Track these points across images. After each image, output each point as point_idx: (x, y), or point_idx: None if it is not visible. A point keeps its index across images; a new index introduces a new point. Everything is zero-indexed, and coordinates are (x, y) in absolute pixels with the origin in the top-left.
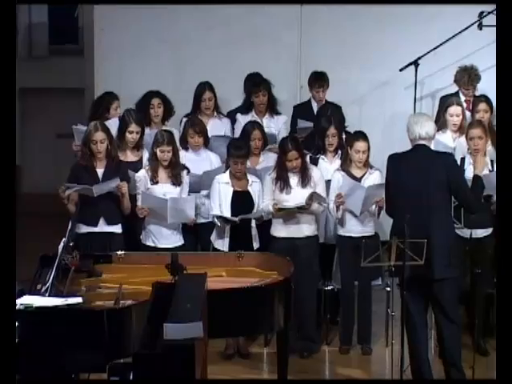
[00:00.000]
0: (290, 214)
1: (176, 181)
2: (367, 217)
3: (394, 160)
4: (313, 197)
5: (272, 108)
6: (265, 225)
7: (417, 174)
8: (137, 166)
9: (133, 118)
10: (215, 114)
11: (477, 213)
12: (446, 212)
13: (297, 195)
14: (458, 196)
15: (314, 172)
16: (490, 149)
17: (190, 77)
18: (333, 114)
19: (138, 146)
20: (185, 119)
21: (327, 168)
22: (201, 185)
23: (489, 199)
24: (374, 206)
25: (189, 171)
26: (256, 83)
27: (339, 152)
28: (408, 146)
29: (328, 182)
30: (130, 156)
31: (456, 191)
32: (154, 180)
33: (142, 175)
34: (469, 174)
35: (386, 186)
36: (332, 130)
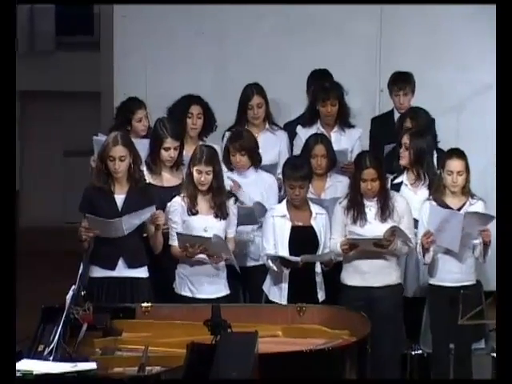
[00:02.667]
0: (364, 253)
1: (220, 212)
2: (467, 259)
3: None
4: (395, 232)
5: (343, 119)
6: (333, 270)
7: None
8: (178, 191)
9: (168, 130)
10: (267, 125)
11: None
12: None
13: (374, 230)
14: None
15: (399, 201)
16: None
17: (233, 78)
18: (416, 122)
19: (177, 165)
20: (228, 134)
21: (411, 198)
22: (253, 219)
23: None
24: (477, 241)
25: (237, 199)
26: (324, 89)
27: (425, 179)
28: None
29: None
30: (167, 179)
31: None
32: (193, 210)
33: (178, 204)
34: None
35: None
36: (405, 139)
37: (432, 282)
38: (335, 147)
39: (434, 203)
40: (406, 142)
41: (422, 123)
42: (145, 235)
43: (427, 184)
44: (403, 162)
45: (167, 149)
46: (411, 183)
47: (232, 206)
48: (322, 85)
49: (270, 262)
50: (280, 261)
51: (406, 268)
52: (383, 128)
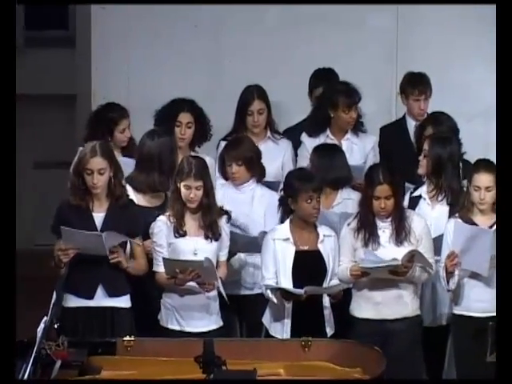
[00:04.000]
0: (377, 281)
1: (211, 232)
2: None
3: None
4: (414, 257)
5: (357, 125)
6: (343, 301)
7: None
8: (163, 210)
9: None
10: (268, 133)
11: None
12: None
13: (388, 255)
14: None
15: (416, 222)
16: None
17: (229, 78)
18: (438, 129)
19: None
20: (223, 143)
21: (427, 214)
22: (256, 248)
23: None
24: None
25: (230, 217)
26: (349, 93)
27: (445, 193)
28: None
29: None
30: (154, 197)
31: None
32: (181, 231)
33: (163, 224)
34: None
35: None
36: (425, 144)
37: (457, 311)
38: (348, 157)
39: (459, 220)
40: (425, 149)
41: (446, 130)
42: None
43: (446, 199)
44: (421, 170)
45: None
46: (430, 196)
47: (225, 226)
48: (341, 88)
49: (269, 293)
50: (280, 293)
51: (421, 295)
52: (395, 138)
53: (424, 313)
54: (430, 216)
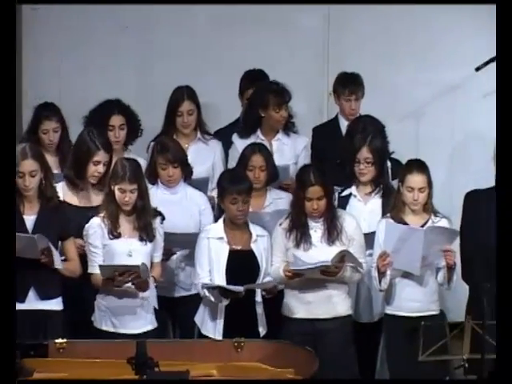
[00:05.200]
0: (309, 281)
1: (145, 234)
2: (429, 284)
3: (475, 200)
4: (345, 257)
5: (287, 125)
6: (275, 300)
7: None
8: (96, 211)
9: (98, 141)
10: (198, 134)
11: None
12: None
13: (320, 255)
14: None
15: (348, 221)
16: None
17: (160, 79)
18: (368, 130)
19: (103, 184)
20: (153, 144)
21: (360, 210)
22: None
23: None
24: (440, 264)
25: (164, 218)
26: (279, 92)
27: (379, 189)
28: (490, 182)
29: (368, 236)
30: (94, 198)
31: None
32: (115, 233)
33: (97, 226)
34: None
35: (461, 240)
36: (365, 153)
37: (389, 311)
38: (278, 157)
39: (391, 220)
40: (367, 157)
41: (376, 133)
42: (63, 258)
43: (380, 194)
44: (366, 178)
45: (96, 163)
46: (365, 193)
47: (159, 227)
48: (271, 87)
49: (206, 291)
50: (219, 291)
51: (357, 293)
52: (328, 138)
53: (360, 310)
54: (364, 212)
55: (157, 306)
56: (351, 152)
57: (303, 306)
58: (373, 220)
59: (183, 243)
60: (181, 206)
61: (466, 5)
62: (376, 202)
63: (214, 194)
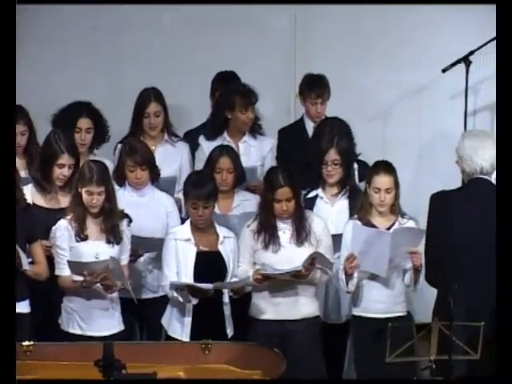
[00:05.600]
0: (277, 283)
1: (112, 236)
2: (396, 286)
3: (441, 201)
4: (315, 260)
5: (254, 127)
6: (242, 302)
7: (476, 223)
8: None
9: (64, 144)
10: (165, 136)
11: None
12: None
13: (289, 256)
14: None
15: (316, 222)
16: None
17: (129, 81)
18: (335, 131)
19: (70, 187)
20: (120, 145)
21: (327, 212)
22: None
23: None
24: (407, 265)
25: (131, 221)
26: (245, 94)
27: (345, 190)
28: (457, 183)
29: (335, 237)
30: (63, 200)
31: None
32: (82, 235)
33: (64, 228)
34: None
35: (426, 241)
36: (332, 155)
37: (356, 312)
38: (245, 159)
39: (358, 222)
40: (335, 159)
41: (343, 134)
42: (30, 260)
43: (346, 195)
44: (334, 179)
45: (61, 166)
46: (331, 194)
47: (126, 229)
48: (238, 89)
49: (174, 292)
50: (188, 290)
51: (325, 294)
52: (294, 140)
53: (329, 311)
54: (331, 213)
55: (135, 300)
56: (319, 154)
57: (271, 307)
58: (340, 221)
59: (151, 246)
60: (148, 208)
61: (434, 5)
62: (343, 203)
63: (181, 195)
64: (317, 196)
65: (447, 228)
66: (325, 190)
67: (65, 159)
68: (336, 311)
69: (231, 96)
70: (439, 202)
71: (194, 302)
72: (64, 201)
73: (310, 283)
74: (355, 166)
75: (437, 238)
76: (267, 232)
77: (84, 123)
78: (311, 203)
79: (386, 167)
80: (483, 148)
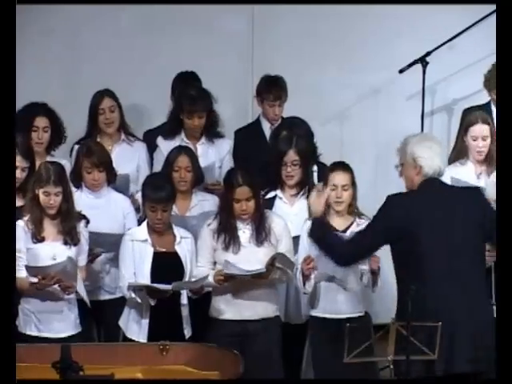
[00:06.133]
0: (237, 283)
1: (70, 238)
2: (354, 286)
3: (399, 203)
4: (275, 260)
5: (212, 130)
6: (202, 302)
7: (439, 223)
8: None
9: (17, 147)
10: (122, 136)
11: None
12: (479, 280)
13: (249, 256)
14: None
15: (276, 222)
16: None
17: (86, 82)
18: (293, 131)
19: (25, 190)
20: (77, 147)
21: (286, 212)
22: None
23: None
24: (365, 267)
25: (88, 222)
26: (190, 99)
27: (305, 190)
28: None
29: (295, 238)
30: (19, 203)
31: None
32: (39, 237)
33: (21, 229)
34: None
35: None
36: (292, 156)
37: (314, 313)
38: (203, 161)
39: None
40: (294, 159)
41: (302, 134)
42: None
43: (305, 196)
44: (294, 180)
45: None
46: (290, 195)
47: (83, 230)
48: (187, 94)
49: (131, 292)
50: (146, 291)
51: (286, 295)
52: (251, 141)
53: (290, 311)
54: (290, 214)
55: (88, 303)
56: (277, 155)
57: (231, 307)
58: (299, 222)
59: (108, 244)
60: (105, 209)
61: (390, 5)
62: (302, 203)
63: (139, 196)
64: (276, 196)
65: (405, 229)
66: (284, 190)
67: (18, 161)
68: (297, 311)
69: (181, 100)
70: (396, 204)
71: (152, 303)
72: (18, 204)
73: (270, 283)
74: (315, 167)
75: (394, 241)
76: (227, 233)
77: (41, 122)
78: (270, 204)
79: (342, 165)
80: (435, 151)
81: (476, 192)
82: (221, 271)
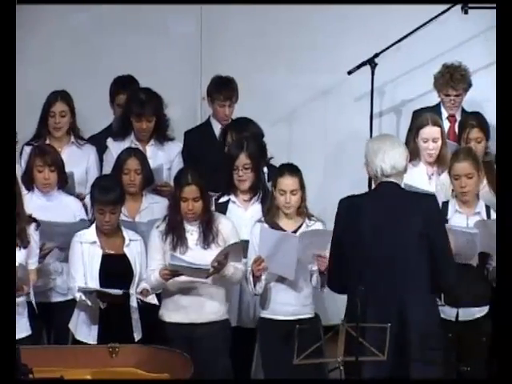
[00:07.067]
0: (186, 286)
1: (20, 240)
2: (304, 288)
3: (349, 206)
4: (228, 255)
5: (161, 132)
6: (151, 305)
7: (382, 226)
8: None
9: None
10: (72, 138)
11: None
12: (425, 282)
13: (196, 259)
14: (437, 259)
15: (224, 224)
16: (486, 190)
17: (34, 82)
18: (243, 135)
19: None
20: (28, 148)
21: (240, 216)
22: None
23: (486, 261)
24: (314, 268)
25: (39, 225)
26: (139, 103)
27: (258, 195)
28: (364, 184)
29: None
30: None
31: (434, 250)
32: None
33: None
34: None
35: (333, 245)
36: (243, 159)
37: (264, 314)
38: (151, 163)
39: (265, 225)
40: (245, 163)
41: (252, 137)
42: None
43: (259, 200)
44: (246, 185)
45: None
46: (244, 199)
47: (33, 233)
48: (136, 97)
49: (82, 295)
50: (97, 294)
51: (240, 299)
52: (201, 142)
53: (243, 315)
54: (245, 218)
55: (36, 308)
56: (229, 159)
57: (179, 310)
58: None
59: (59, 235)
60: (56, 212)
61: (339, 6)
62: (256, 207)
63: (88, 199)
64: (229, 200)
65: (353, 232)
66: (237, 194)
67: None
68: (250, 316)
69: (129, 103)
70: (347, 207)
71: (103, 306)
72: None
73: (220, 284)
74: (265, 169)
75: (344, 243)
76: (175, 233)
77: None
78: (223, 208)
79: (290, 169)
80: (383, 150)
81: (426, 199)
82: (166, 266)
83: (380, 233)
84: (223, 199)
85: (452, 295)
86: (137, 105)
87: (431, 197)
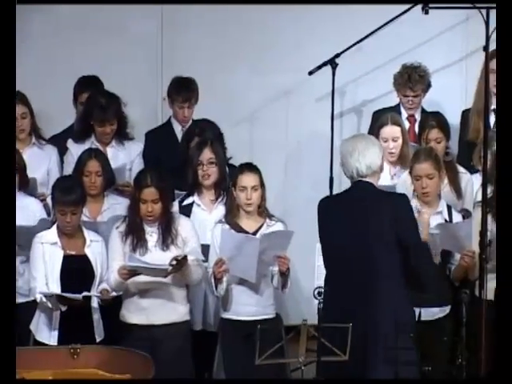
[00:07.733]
0: (146, 287)
1: None
2: (265, 289)
3: (325, 207)
4: (186, 256)
5: (121, 133)
6: (112, 306)
7: (353, 226)
8: None
9: None
10: (33, 139)
11: (431, 290)
12: (395, 282)
13: (155, 260)
14: (411, 257)
15: (183, 225)
16: (447, 190)
17: None
18: (207, 133)
19: None
20: None
21: (205, 219)
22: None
23: (448, 260)
24: (275, 269)
25: None
26: (101, 108)
27: (222, 196)
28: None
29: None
30: None
31: (407, 248)
32: None
33: None
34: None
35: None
36: (207, 154)
37: (225, 315)
38: (112, 164)
39: (226, 227)
40: (210, 157)
41: (215, 135)
42: None
43: (223, 202)
44: (211, 180)
45: None
46: (210, 199)
47: None
48: (97, 102)
49: (42, 296)
50: (56, 297)
51: (204, 302)
52: (162, 143)
53: (207, 318)
54: (209, 221)
55: None
56: (192, 156)
57: (140, 311)
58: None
59: (22, 238)
60: (17, 214)
61: (300, 6)
62: (220, 210)
63: (49, 200)
64: (193, 203)
65: (324, 233)
66: (201, 195)
67: None
68: (216, 319)
69: (90, 107)
70: (323, 207)
71: (63, 308)
72: None
73: (180, 285)
74: (226, 169)
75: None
76: (135, 234)
77: None
78: (187, 211)
79: (249, 167)
80: (358, 151)
81: (397, 198)
82: (125, 265)
83: (351, 232)
84: (187, 201)
85: (430, 291)
86: (98, 110)
87: (402, 196)
